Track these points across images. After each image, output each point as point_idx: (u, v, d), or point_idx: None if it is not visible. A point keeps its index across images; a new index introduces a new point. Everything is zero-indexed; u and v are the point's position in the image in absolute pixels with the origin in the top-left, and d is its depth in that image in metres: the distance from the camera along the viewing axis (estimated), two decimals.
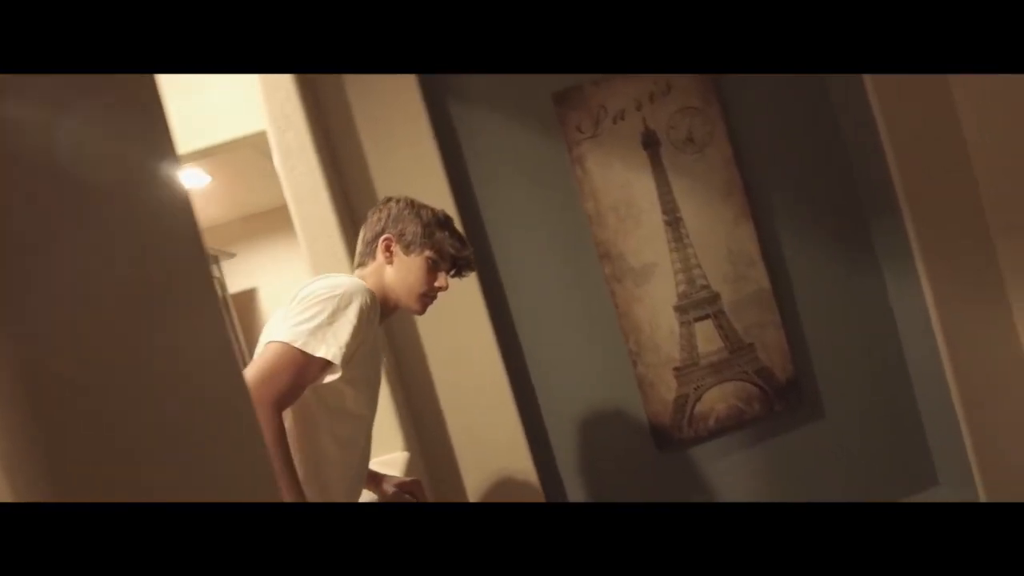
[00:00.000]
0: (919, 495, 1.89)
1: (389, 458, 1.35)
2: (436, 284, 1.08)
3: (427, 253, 1.07)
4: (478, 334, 1.57)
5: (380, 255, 1.07)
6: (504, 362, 1.61)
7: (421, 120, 1.60)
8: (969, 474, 1.81)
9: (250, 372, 0.88)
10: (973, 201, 1.73)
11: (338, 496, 0.97)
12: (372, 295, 0.99)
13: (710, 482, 1.78)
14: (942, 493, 1.87)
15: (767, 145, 1.77)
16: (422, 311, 1.11)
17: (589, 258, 1.72)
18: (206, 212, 3.44)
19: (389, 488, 1.15)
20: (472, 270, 1.16)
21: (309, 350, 0.90)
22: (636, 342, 1.72)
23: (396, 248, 1.07)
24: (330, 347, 0.91)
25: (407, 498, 1.13)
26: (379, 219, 1.09)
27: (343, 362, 0.93)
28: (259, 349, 0.96)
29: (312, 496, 0.93)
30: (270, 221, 3.66)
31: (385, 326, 1.52)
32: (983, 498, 1.78)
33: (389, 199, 1.12)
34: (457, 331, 1.57)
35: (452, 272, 1.12)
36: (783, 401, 1.76)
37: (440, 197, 1.56)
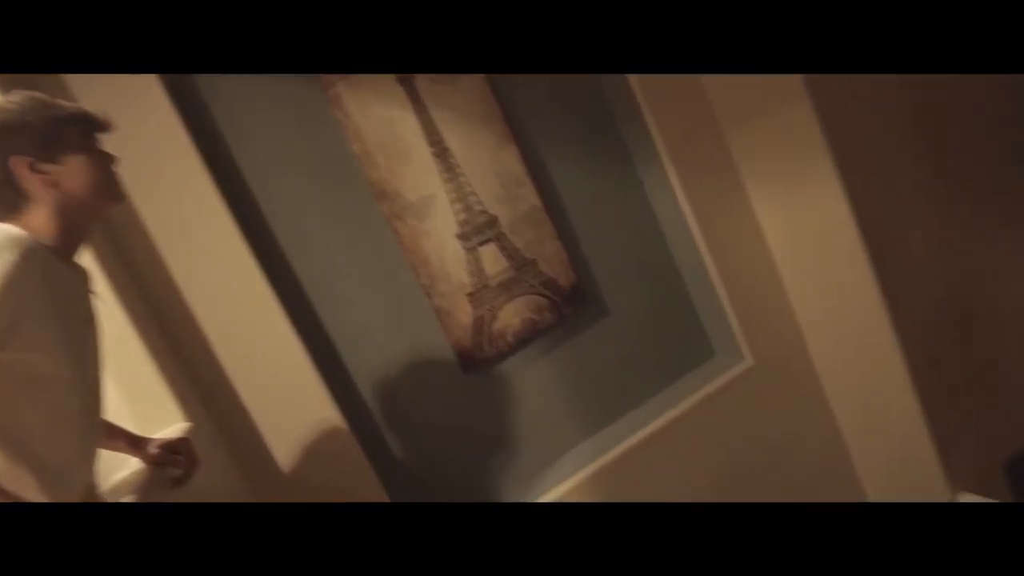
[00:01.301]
0: (701, 367, 2.15)
1: (169, 431, 1.30)
2: (110, 164, 1.00)
3: (74, 145, 0.95)
4: (253, 292, 1.53)
5: (29, 185, 0.92)
6: (290, 317, 1.58)
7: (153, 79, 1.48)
8: (736, 343, 2.08)
9: None
10: (702, 97, 1.94)
11: (61, 462, 0.91)
12: (23, 246, 0.86)
13: (519, 393, 1.90)
14: (718, 362, 2.14)
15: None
16: (120, 196, 1.03)
17: (365, 199, 1.73)
18: None
19: (153, 450, 1.10)
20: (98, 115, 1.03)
21: None
22: (427, 275, 1.76)
23: (42, 166, 0.92)
24: None
25: (176, 459, 1.10)
26: None
27: None
28: None
29: (19, 473, 0.85)
30: None
31: (142, 293, 1.43)
32: (750, 361, 2.06)
33: None
34: (230, 292, 1.51)
35: (95, 133, 1.01)
36: (570, 306, 1.90)
37: (188, 160, 1.48)
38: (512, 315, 1.84)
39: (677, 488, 1.96)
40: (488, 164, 1.80)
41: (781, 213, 2.01)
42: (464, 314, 1.80)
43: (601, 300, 1.98)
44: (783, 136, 1.86)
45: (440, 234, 1.77)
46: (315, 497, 1.58)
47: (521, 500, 1.85)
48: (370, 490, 1.65)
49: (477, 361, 1.82)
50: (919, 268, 1.91)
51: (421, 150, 1.75)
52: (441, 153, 1.76)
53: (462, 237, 1.78)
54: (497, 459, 1.91)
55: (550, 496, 1.81)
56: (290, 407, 1.60)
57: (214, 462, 1.43)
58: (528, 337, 1.87)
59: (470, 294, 1.80)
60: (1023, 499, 2.04)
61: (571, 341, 1.94)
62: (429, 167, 1.75)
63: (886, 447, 2.13)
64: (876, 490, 2.27)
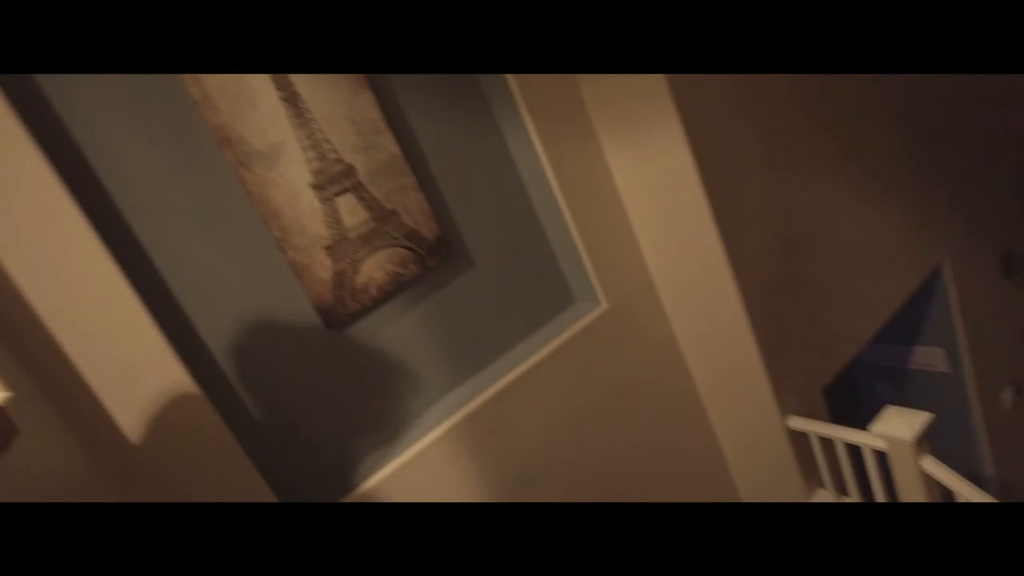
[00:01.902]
0: (563, 313, 2.23)
1: None
2: None
3: None
4: (83, 250, 1.37)
5: None
6: (128, 277, 1.44)
7: None
8: (593, 289, 2.17)
9: None
10: None
11: None
12: None
13: (386, 347, 1.87)
14: (578, 308, 2.23)
15: None
16: None
17: (206, 147, 1.59)
18: None
19: None
20: None
21: None
22: (280, 227, 1.67)
23: None
24: None
25: None
26: None
27: None
28: None
29: None
30: None
31: None
32: (604, 305, 2.17)
33: None
34: (56, 250, 1.34)
35: None
36: (435, 257, 1.89)
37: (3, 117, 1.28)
38: (375, 268, 1.80)
39: (544, 427, 2.05)
40: (343, 111, 1.72)
41: (631, 164, 2.11)
42: (323, 268, 1.73)
43: (466, 251, 1.99)
44: (634, 91, 1.94)
45: (292, 184, 1.67)
46: (170, 466, 1.48)
47: (391, 454, 1.84)
48: (231, 456, 1.56)
49: (340, 316, 1.77)
50: (753, 215, 2.09)
51: (268, 94, 1.63)
52: (290, 98, 1.66)
53: (317, 187, 1.70)
54: (366, 415, 1.88)
55: (419, 446, 1.82)
56: (134, 374, 1.46)
57: (46, 434, 1.29)
58: (393, 291, 1.84)
59: (328, 247, 1.73)
60: (839, 420, 2.32)
61: (438, 293, 1.94)
62: (277, 112, 1.65)
63: (726, 378, 2.34)
64: (718, 416, 2.50)
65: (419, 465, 1.82)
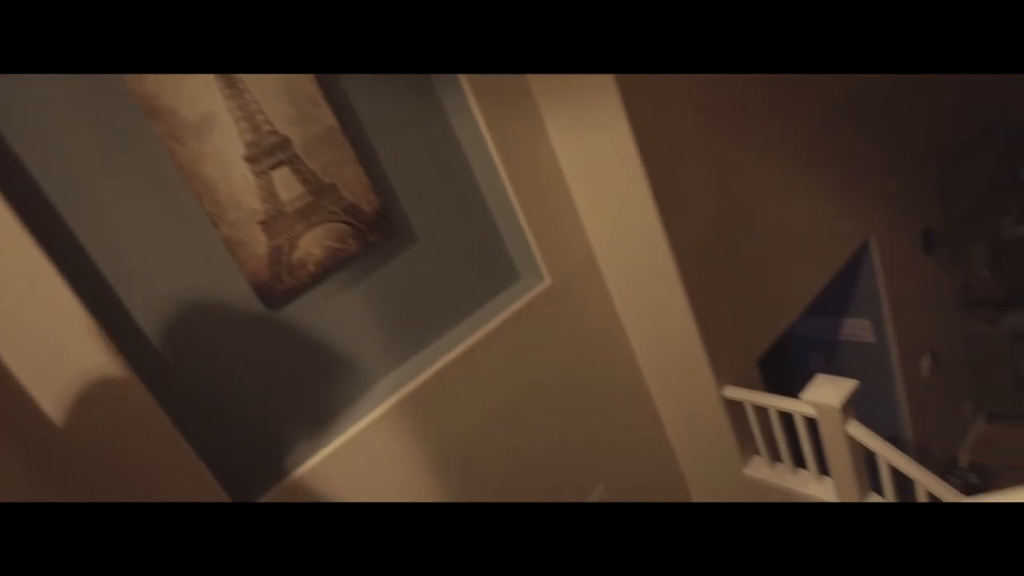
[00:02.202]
0: (507, 290, 2.24)
1: None
2: None
3: None
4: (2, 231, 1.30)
5: None
6: (51, 257, 1.36)
7: None
8: (537, 265, 2.19)
9: None
10: None
11: None
12: None
13: (327, 324, 1.84)
14: (522, 284, 2.25)
15: None
16: None
17: (133, 118, 1.52)
18: None
19: None
20: None
21: None
22: (213, 202, 1.62)
23: None
24: None
25: None
26: None
27: None
28: None
29: None
30: None
31: None
32: (547, 281, 2.19)
33: None
34: None
35: None
36: (375, 233, 1.86)
37: None
38: (313, 244, 1.76)
39: (487, 404, 2.06)
40: (276, 81, 1.67)
41: (574, 142, 2.12)
42: (259, 244, 1.69)
43: (408, 226, 1.97)
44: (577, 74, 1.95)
45: (225, 157, 1.62)
46: (100, 451, 1.43)
47: (332, 434, 1.82)
48: (165, 439, 1.52)
49: (277, 294, 1.73)
50: (692, 192, 2.13)
51: None
52: None
53: (250, 160, 1.65)
54: (307, 394, 1.85)
55: (361, 425, 1.80)
56: (58, 354, 1.40)
57: None
58: (332, 267, 1.81)
59: (263, 222, 1.68)
60: (775, 391, 2.41)
61: (379, 270, 1.92)
62: (208, 82, 1.58)
63: (666, 350, 2.40)
64: (658, 388, 2.57)
65: (361, 444, 1.81)
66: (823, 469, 2.29)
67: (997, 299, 3.91)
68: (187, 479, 1.54)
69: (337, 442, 1.77)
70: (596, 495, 2.47)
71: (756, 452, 2.52)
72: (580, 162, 2.15)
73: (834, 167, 2.74)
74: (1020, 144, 4.07)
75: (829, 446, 2.14)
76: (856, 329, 3.31)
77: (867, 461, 2.14)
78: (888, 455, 1.97)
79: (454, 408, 1.99)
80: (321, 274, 1.79)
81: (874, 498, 2.19)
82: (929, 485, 1.88)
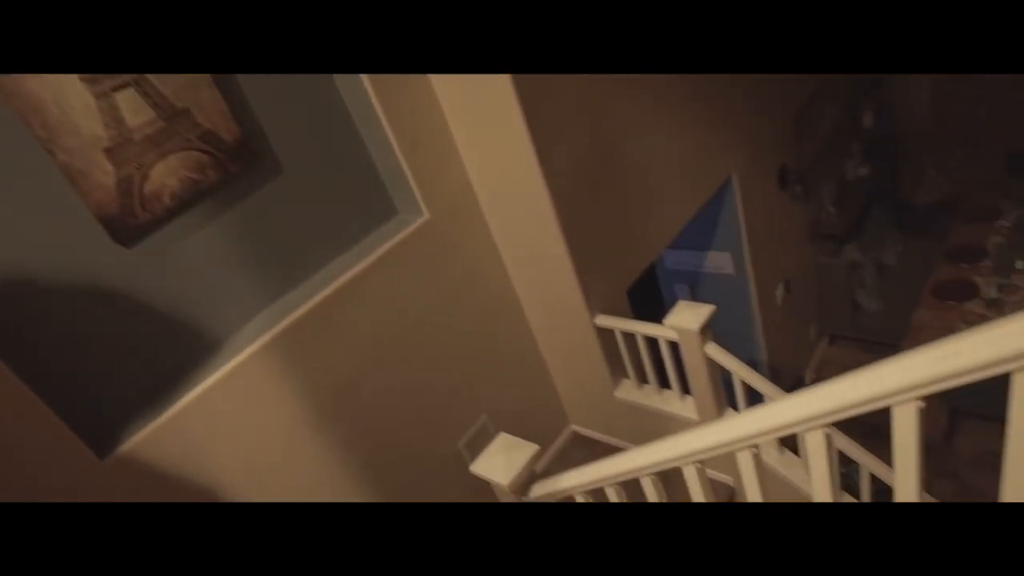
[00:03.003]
0: (384, 225, 2.21)
1: None
2: None
3: None
4: None
5: None
6: None
7: None
8: (415, 199, 2.17)
9: None
10: None
11: None
12: None
13: (188, 261, 1.75)
14: (400, 219, 2.23)
15: None
16: None
17: None
18: None
19: None
20: None
21: None
22: (44, 127, 1.46)
23: None
24: None
25: None
26: None
27: None
28: None
29: None
30: None
31: None
32: (426, 215, 2.18)
33: None
34: None
35: None
36: (237, 163, 1.77)
37: None
38: (167, 174, 1.65)
39: (368, 338, 2.06)
40: None
41: (453, 79, 2.09)
42: (104, 174, 1.55)
43: (274, 158, 1.88)
44: None
45: (57, 76, 1.46)
46: None
47: (203, 373, 1.75)
48: (21, 401, 1.40)
49: (130, 228, 1.61)
50: (565, 125, 2.18)
51: None
52: None
53: (89, 81, 1.50)
54: (170, 333, 1.76)
55: (234, 363, 1.75)
56: None
57: None
58: (191, 199, 1.70)
59: (108, 149, 1.55)
60: (640, 317, 2.56)
61: (242, 203, 1.83)
62: None
63: (542, 281, 2.49)
64: (536, 317, 2.67)
65: (235, 382, 1.76)
66: (685, 389, 2.49)
67: (840, 233, 4.34)
68: (40, 431, 1.45)
69: (208, 381, 1.71)
70: (480, 424, 2.56)
71: (625, 376, 2.69)
72: (457, 93, 2.12)
73: (702, 107, 2.88)
74: (864, 93, 4.46)
75: (690, 367, 2.33)
76: (718, 261, 3.56)
77: (724, 380, 2.35)
78: (742, 374, 2.17)
79: (335, 345, 1.97)
80: (178, 207, 1.68)
81: (730, 413, 2.42)
82: (776, 399, 2.10)
